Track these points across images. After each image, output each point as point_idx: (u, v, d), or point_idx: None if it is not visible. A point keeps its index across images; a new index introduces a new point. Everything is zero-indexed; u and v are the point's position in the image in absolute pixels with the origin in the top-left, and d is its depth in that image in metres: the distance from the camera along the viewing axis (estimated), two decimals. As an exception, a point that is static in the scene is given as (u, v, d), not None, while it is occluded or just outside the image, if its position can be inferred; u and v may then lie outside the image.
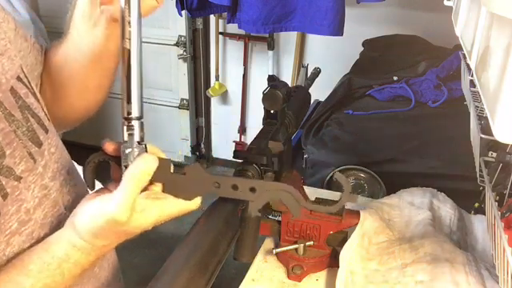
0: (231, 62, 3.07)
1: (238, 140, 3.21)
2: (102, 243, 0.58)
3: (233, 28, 2.66)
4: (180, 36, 3.00)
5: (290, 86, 0.95)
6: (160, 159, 0.58)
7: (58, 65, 0.75)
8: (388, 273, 0.86)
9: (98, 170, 0.62)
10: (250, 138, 2.74)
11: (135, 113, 0.57)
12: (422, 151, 1.77)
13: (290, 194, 0.59)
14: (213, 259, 0.65)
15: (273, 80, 0.98)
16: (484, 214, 0.94)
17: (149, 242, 2.49)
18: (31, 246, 0.62)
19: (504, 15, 0.43)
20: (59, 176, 0.70)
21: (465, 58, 0.98)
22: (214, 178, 0.60)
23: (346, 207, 0.93)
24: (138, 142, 0.58)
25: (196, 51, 3.08)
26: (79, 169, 0.76)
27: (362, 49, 2.43)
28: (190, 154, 3.35)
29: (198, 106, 3.27)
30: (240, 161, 0.82)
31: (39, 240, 0.62)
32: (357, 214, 0.92)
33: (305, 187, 1.15)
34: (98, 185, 0.62)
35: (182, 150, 3.35)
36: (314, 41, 2.80)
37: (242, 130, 3.19)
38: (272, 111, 0.90)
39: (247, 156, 0.82)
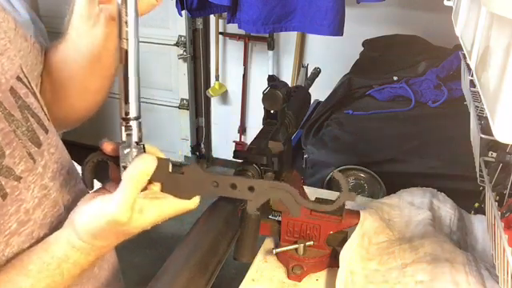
0: (231, 62, 3.07)
1: (238, 140, 3.21)
2: (101, 243, 0.58)
3: (233, 28, 2.66)
4: (180, 36, 3.00)
5: (289, 85, 0.95)
6: (158, 159, 0.58)
7: (57, 65, 0.75)
8: (388, 273, 0.86)
9: (97, 170, 0.62)
10: (250, 138, 2.74)
11: (133, 113, 0.57)
12: (422, 151, 1.77)
13: (289, 193, 0.59)
14: (213, 259, 0.65)
15: (273, 80, 0.98)
16: (484, 213, 0.94)
17: (149, 241, 2.49)
18: (31, 246, 0.62)
19: (504, 15, 0.43)
20: (59, 176, 0.70)
21: (465, 57, 0.98)
22: (213, 178, 0.60)
23: (346, 207, 0.93)
24: (137, 143, 0.58)
25: (196, 51, 3.08)
26: (79, 169, 0.76)
27: (362, 49, 2.43)
28: (189, 154, 3.35)
29: (198, 106, 3.27)
30: (240, 161, 0.82)
31: (39, 240, 0.62)
32: (357, 213, 0.92)
33: (305, 187, 1.15)
34: (97, 184, 0.62)
35: (181, 149, 3.35)
36: (314, 41, 2.80)
37: (242, 129, 3.19)
38: (272, 111, 0.90)
39: (247, 156, 0.82)
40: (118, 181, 0.57)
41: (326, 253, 0.94)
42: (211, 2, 1.84)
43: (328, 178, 1.82)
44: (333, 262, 0.94)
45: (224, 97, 3.20)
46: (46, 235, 0.62)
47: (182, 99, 3.20)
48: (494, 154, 0.94)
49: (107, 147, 0.59)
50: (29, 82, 0.67)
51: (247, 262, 0.92)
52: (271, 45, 2.83)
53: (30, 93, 0.66)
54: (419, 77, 2.15)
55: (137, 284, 1.02)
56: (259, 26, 1.85)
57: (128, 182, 0.55)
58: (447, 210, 1.05)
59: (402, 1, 2.49)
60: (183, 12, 1.97)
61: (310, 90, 1.13)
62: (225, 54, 3.07)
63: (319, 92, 1.86)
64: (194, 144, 3.34)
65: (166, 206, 0.59)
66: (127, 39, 0.55)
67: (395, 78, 2.18)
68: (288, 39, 2.84)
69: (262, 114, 0.92)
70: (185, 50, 3.02)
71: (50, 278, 0.57)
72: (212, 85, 3.12)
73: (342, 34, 1.83)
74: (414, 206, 1.03)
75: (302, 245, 0.92)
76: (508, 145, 0.89)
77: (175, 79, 3.16)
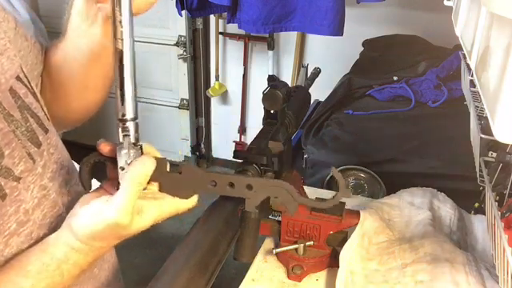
0: (231, 62, 3.07)
1: (238, 140, 3.21)
2: (99, 244, 0.58)
3: (233, 28, 2.66)
4: (180, 36, 3.00)
5: (289, 85, 0.95)
6: (156, 159, 0.58)
7: (57, 64, 0.75)
8: (388, 273, 0.86)
9: (94, 171, 0.62)
10: (250, 138, 2.74)
11: (130, 114, 0.56)
12: (422, 151, 1.77)
13: (286, 190, 0.59)
14: (213, 259, 0.65)
15: (273, 80, 0.98)
16: (484, 213, 0.94)
17: (149, 241, 2.49)
18: (30, 246, 0.62)
19: (504, 15, 0.43)
20: (58, 176, 0.70)
21: (465, 58, 0.98)
22: (211, 176, 0.60)
23: (346, 207, 0.93)
24: (134, 143, 0.57)
25: (196, 51, 3.08)
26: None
27: (362, 49, 2.43)
28: (190, 154, 3.35)
29: (198, 106, 3.27)
30: (240, 161, 0.82)
31: (38, 241, 0.62)
32: (357, 213, 0.92)
33: (305, 187, 1.15)
34: (95, 183, 0.62)
35: (181, 149, 3.35)
36: (314, 41, 2.80)
37: (242, 129, 3.19)
38: (272, 111, 0.90)
39: (247, 156, 0.82)
40: (116, 181, 0.57)
41: (326, 253, 0.94)
42: (211, 2, 1.84)
43: (328, 178, 1.82)
44: (333, 262, 0.93)
45: (224, 97, 3.20)
46: (45, 235, 0.62)
47: (182, 99, 3.20)
48: (494, 154, 0.94)
49: (104, 148, 0.59)
50: (29, 82, 0.67)
51: (247, 262, 0.92)
52: (271, 45, 2.83)
53: (29, 93, 0.66)
54: (419, 77, 2.15)
55: (137, 284, 1.02)
56: (259, 25, 1.85)
57: (128, 186, 0.55)
58: (447, 209, 1.05)
59: (402, 1, 2.49)
60: (183, 12, 1.97)
61: (310, 90, 1.13)
62: (225, 54, 3.07)
63: (319, 92, 1.86)
64: (194, 144, 3.34)
65: (165, 206, 0.59)
66: (122, 39, 0.54)
67: (395, 78, 2.18)
68: (288, 39, 2.84)
69: (261, 113, 0.92)
70: (185, 50, 3.02)
71: (49, 278, 0.57)
72: (212, 85, 3.12)
73: (341, 34, 1.83)
74: (413, 206, 1.03)
75: (301, 245, 0.92)
76: (508, 145, 0.89)
77: (175, 79, 3.16)
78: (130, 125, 0.57)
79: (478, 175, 0.99)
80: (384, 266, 0.88)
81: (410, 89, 2.09)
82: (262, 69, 2.95)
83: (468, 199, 1.16)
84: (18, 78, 0.65)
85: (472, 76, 0.96)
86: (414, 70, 2.21)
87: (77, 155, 0.82)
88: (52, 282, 0.58)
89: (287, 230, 0.94)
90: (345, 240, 0.91)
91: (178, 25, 2.96)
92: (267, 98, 0.89)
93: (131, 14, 0.55)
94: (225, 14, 2.58)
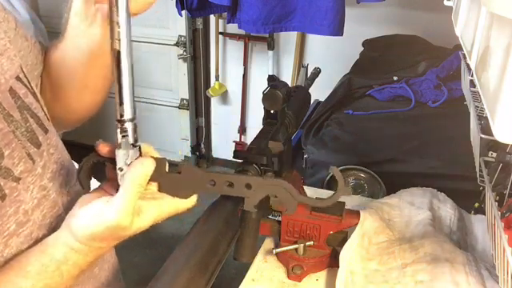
0: (231, 61, 3.07)
1: (238, 140, 3.21)
2: (99, 245, 0.58)
3: (233, 28, 2.66)
4: (180, 36, 3.00)
5: (289, 85, 0.95)
6: (155, 159, 0.58)
7: (57, 63, 0.74)
8: (388, 273, 0.86)
9: (93, 171, 0.62)
10: (250, 138, 2.74)
11: (128, 115, 0.56)
12: (422, 151, 1.77)
13: (285, 189, 0.59)
14: (213, 259, 0.65)
15: (273, 80, 0.98)
16: (484, 214, 0.94)
17: (149, 241, 2.49)
18: (29, 247, 0.61)
19: (504, 15, 0.43)
20: (58, 176, 0.70)
21: (465, 58, 0.98)
22: (210, 176, 0.60)
23: (346, 207, 0.93)
24: (132, 144, 0.57)
25: (196, 51, 3.08)
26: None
27: (362, 49, 2.43)
28: (190, 154, 3.35)
29: (198, 106, 3.27)
30: (240, 161, 0.82)
31: (38, 241, 0.62)
32: (357, 213, 0.92)
33: (305, 187, 1.15)
34: (94, 183, 0.62)
35: (181, 149, 3.35)
36: (314, 41, 2.80)
37: (242, 130, 3.19)
38: (272, 111, 0.90)
39: (247, 156, 0.82)
40: (115, 181, 0.57)
41: (326, 253, 0.94)
42: (211, 2, 1.84)
43: (328, 178, 1.82)
44: (333, 262, 0.93)
45: (224, 97, 3.20)
46: (44, 236, 0.62)
47: (182, 99, 3.20)
48: (494, 154, 0.94)
49: (103, 149, 0.59)
50: (28, 82, 0.67)
51: (247, 262, 0.92)
52: (271, 45, 2.83)
53: (29, 93, 0.66)
54: (419, 77, 2.15)
55: (137, 284, 1.02)
56: (259, 25, 1.85)
57: (128, 187, 0.55)
58: (447, 210, 1.05)
59: (402, 1, 2.49)
60: (183, 12, 1.97)
61: (310, 90, 1.12)
62: (225, 54, 3.07)
63: (319, 92, 1.86)
64: (194, 144, 3.34)
65: (164, 206, 0.59)
66: (119, 40, 0.54)
67: (395, 78, 2.18)
68: (288, 39, 2.84)
69: (261, 114, 0.92)
70: (185, 50, 3.02)
71: (49, 279, 0.57)
72: (212, 85, 3.12)
73: (341, 34, 1.83)
74: (413, 205, 1.03)
75: (301, 245, 0.92)
76: (508, 145, 0.89)
77: (175, 79, 3.16)
78: (129, 125, 0.56)
79: (478, 175, 0.99)
80: (384, 266, 0.88)
81: (410, 89, 2.09)
82: (261, 69, 2.95)
83: (468, 199, 1.16)
84: (18, 79, 0.65)
85: (472, 76, 0.96)
86: (413, 70, 2.21)
87: (77, 155, 0.82)
88: (52, 283, 0.58)
89: (287, 229, 0.94)
90: (345, 240, 0.91)
91: (178, 25, 2.96)
92: (267, 98, 0.89)
93: (128, 15, 0.54)
94: (225, 14, 2.58)
